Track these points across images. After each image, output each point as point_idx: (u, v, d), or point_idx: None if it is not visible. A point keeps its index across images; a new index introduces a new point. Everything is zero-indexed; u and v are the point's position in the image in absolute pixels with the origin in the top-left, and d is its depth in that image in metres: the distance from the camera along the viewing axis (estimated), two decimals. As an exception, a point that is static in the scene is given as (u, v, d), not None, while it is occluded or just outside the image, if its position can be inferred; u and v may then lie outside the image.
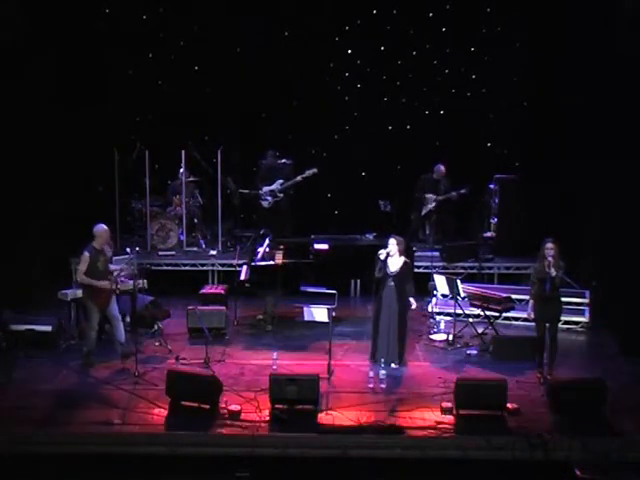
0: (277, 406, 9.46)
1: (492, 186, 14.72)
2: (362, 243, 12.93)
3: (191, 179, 14.83)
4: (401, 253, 10.70)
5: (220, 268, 14.01)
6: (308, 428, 9.13)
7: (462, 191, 14.28)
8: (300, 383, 9.48)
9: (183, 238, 14.58)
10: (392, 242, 10.69)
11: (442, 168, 14.45)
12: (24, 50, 12.70)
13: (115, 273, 10.80)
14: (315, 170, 14.10)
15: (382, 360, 10.44)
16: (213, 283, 13.68)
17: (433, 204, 14.47)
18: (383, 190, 14.50)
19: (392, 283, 10.70)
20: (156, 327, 11.77)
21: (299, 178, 14.22)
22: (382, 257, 10.61)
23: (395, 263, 10.69)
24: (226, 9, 14.72)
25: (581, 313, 12.49)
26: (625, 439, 9.02)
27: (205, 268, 14.07)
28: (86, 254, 10.57)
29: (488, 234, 14.86)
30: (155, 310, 12.00)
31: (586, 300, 12.54)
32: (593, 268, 12.85)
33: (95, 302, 10.66)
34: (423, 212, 14.62)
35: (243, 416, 9.27)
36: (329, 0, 14.77)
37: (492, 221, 14.81)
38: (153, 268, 13.20)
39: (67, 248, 12.48)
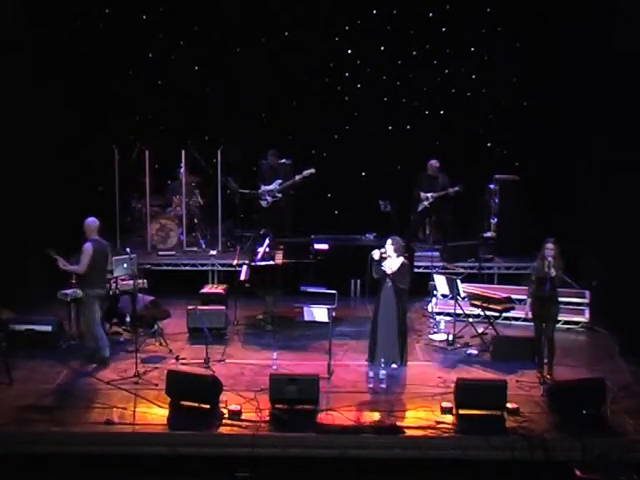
0: (277, 406, 9.46)
1: (492, 186, 14.73)
2: (362, 243, 12.92)
3: (191, 179, 14.83)
4: (399, 253, 10.70)
5: (220, 268, 14.00)
6: (308, 428, 9.13)
7: (456, 188, 14.25)
8: (300, 383, 9.48)
9: (183, 238, 14.58)
10: (387, 242, 10.69)
11: (435, 162, 14.39)
12: (23, 50, 12.72)
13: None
14: (312, 170, 14.10)
15: (382, 360, 10.44)
16: (213, 283, 13.67)
17: (429, 200, 14.46)
18: (383, 190, 14.49)
19: (390, 284, 10.70)
20: (156, 327, 11.77)
21: (297, 178, 14.23)
22: (376, 257, 10.63)
23: (393, 263, 10.69)
24: (226, 9, 14.73)
25: (581, 313, 12.50)
26: (625, 439, 9.03)
27: (205, 268, 14.07)
28: (88, 244, 10.68)
29: (488, 234, 14.86)
30: (155, 310, 12.00)
31: (586, 300, 12.55)
32: (593, 268, 12.84)
33: (94, 294, 10.73)
34: (419, 209, 14.61)
35: (243, 416, 9.27)
36: (329, 0, 14.77)
37: (492, 221, 14.81)
38: (153, 268, 13.19)
39: (67, 248, 12.46)
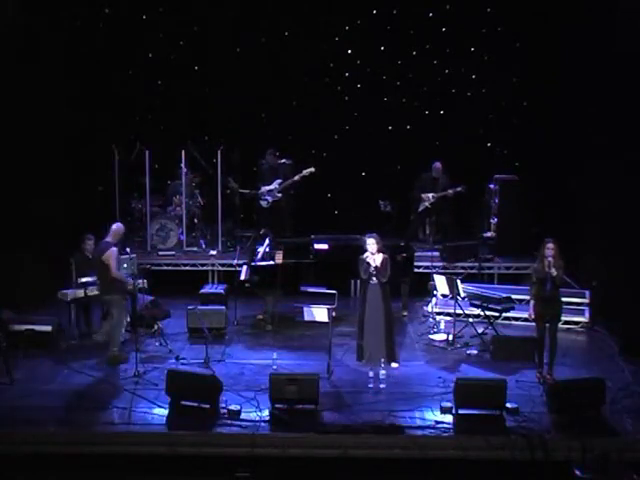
0: (277, 406, 9.46)
1: (492, 186, 14.73)
2: (362, 243, 12.91)
3: (192, 178, 14.83)
4: (380, 250, 10.72)
5: (220, 268, 14.01)
6: (308, 428, 9.12)
7: (458, 189, 14.26)
8: (300, 383, 9.48)
9: (183, 238, 14.58)
10: (371, 241, 10.72)
11: (439, 165, 14.42)
12: (23, 50, 12.71)
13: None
14: (312, 169, 14.09)
15: (382, 360, 10.44)
16: (213, 283, 13.68)
17: (430, 201, 14.46)
18: (383, 190, 14.49)
19: (375, 281, 10.73)
20: (156, 327, 11.77)
21: (297, 178, 14.22)
22: (368, 260, 10.64)
23: (376, 260, 10.71)
24: (226, 9, 14.73)
25: (581, 313, 12.50)
26: (625, 439, 9.03)
27: (205, 268, 14.08)
28: (115, 249, 10.73)
29: (488, 234, 14.86)
30: (155, 310, 12.01)
31: (586, 300, 12.55)
32: (593, 268, 12.84)
33: (124, 297, 10.91)
34: (420, 209, 14.61)
35: (243, 416, 9.28)
36: (329, 0, 14.77)
37: (492, 221, 14.81)
38: (153, 268, 13.20)
39: (67, 248, 12.47)
